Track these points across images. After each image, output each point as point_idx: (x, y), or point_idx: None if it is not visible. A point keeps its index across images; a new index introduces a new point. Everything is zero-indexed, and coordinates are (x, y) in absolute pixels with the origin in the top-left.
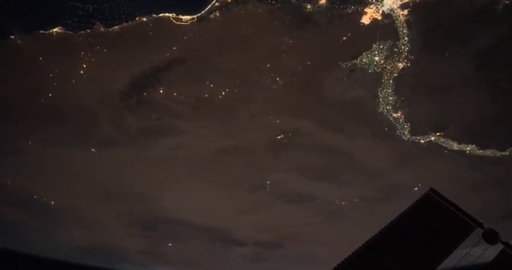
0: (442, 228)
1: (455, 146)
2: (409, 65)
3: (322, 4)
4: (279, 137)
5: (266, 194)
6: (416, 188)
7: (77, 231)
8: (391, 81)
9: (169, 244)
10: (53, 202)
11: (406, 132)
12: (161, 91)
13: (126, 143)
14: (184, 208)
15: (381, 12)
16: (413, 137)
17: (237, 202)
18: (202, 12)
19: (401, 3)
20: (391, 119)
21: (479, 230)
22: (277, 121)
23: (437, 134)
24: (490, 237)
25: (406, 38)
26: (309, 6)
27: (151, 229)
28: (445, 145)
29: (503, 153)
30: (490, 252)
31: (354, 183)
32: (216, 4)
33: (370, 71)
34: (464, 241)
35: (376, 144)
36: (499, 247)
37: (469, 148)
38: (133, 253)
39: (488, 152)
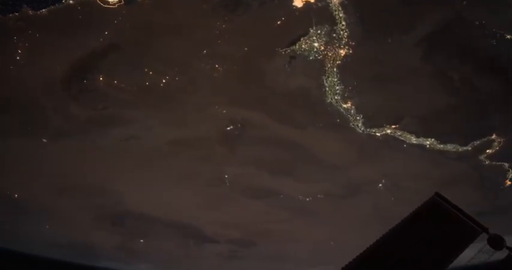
0: (446, 233)
1: (413, 140)
2: (351, 52)
3: None
4: (228, 128)
5: (227, 188)
6: (380, 184)
7: (47, 226)
8: (335, 69)
9: (141, 240)
10: (16, 195)
11: (359, 125)
12: (101, 78)
13: (77, 133)
14: (148, 203)
15: None
16: (368, 130)
17: (199, 197)
18: None
19: None
20: (342, 110)
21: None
22: (224, 111)
23: (393, 126)
24: (496, 242)
25: (343, 23)
26: None
27: (120, 224)
28: (402, 138)
29: (465, 148)
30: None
31: (316, 178)
32: None
33: (311, 58)
34: (468, 246)
35: (330, 137)
36: (504, 253)
37: (428, 142)
38: (110, 249)
39: (449, 147)
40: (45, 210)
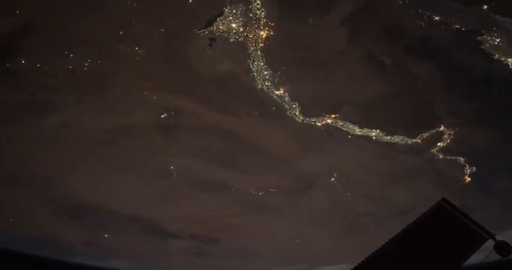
0: (453, 238)
1: (357, 131)
2: (272, 33)
3: None
4: (162, 116)
5: (176, 180)
6: (333, 178)
7: (10, 219)
8: (259, 53)
9: (106, 235)
10: None
11: (297, 113)
12: (23, 61)
13: (11, 120)
14: (100, 195)
15: None
16: (307, 119)
17: (149, 189)
18: None
19: None
20: (275, 97)
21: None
22: (154, 97)
23: (333, 116)
24: (503, 249)
25: (258, 2)
26: None
27: (79, 218)
28: (346, 129)
29: (414, 140)
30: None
31: (263, 171)
32: None
33: (231, 40)
34: (475, 253)
35: (269, 126)
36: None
37: (374, 134)
38: (79, 245)
39: (397, 139)
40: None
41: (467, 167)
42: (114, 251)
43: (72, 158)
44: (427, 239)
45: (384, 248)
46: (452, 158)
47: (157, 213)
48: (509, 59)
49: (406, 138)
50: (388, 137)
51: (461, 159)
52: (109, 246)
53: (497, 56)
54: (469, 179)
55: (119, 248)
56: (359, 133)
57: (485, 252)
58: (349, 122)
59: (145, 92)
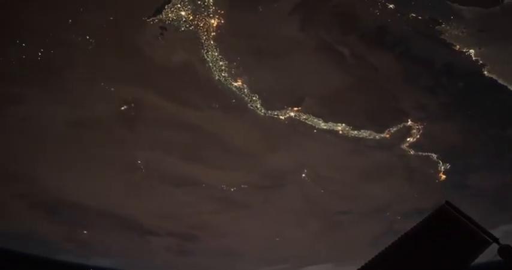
0: (457, 242)
1: (322, 125)
2: (223, 22)
3: None
4: (123, 108)
5: (145, 175)
6: (304, 175)
7: None
8: (212, 42)
9: (84, 232)
10: None
11: (258, 106)
12: None
13: None
14: (71, 189)
15: None
16: (269, 112)
17: (119, 183)
18: None
19: None
20: (234, 89)
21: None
22: (112, 89)
23: (295, 108)
24: (507, 253)
25: None
26: None
27: (56, 214)
28: (310, 123)
29: (382, 135)
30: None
31: (231, 166)
32: None
33: (182, 28)
34: (478, 257)
35: (231, 119)
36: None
37: (340, 128)
38: (60, 242)
39: (364, 134)
40: None
41: (441, 164)
42: (97, 248)
43: (39, 152)
44: (430, 242)
45: (386, 251)
46: (424, 154)
47: (132, 209)
48: (470, 50)
49: (374, 133)
50: (355, 132)
51: (434, 156)
52: (91, 244)
53: (458, 46)
54: (444, 176)
55: (101, 245)
56: (324, 127)
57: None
58: (312, 116)
59: (102, 83)
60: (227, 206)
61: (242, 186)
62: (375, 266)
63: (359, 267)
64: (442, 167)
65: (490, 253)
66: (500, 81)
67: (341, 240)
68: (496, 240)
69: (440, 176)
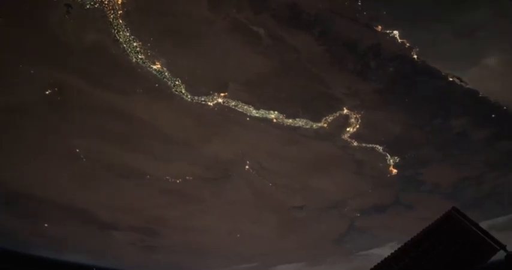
0: (463, 249)
1: (254, 112)
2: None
3: None
4: (47, 93)
5: (86, 165)
6: (247, 166)
7: None
8: (121, 21)
9: (45, 225)
10: None
11: (183, 91)
12: None
13: None
14: (25, 181)
15: None
16: (196, 98)
17: (63, 173)
18: None
19: None
20: (154, 72)
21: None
22: (32, 71)
23: (222, 94)
24: None
25: None
26: None
27: (14, 206)
28: (241, 110)
29: (319, 124)
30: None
31: (173, 157)
32: None
33: (88, 6)
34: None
35: (160, 105)
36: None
37: (273, 116)
38: (28, 235)
39: (300, 122)
40: None
41: (389, 157)
42: (65, 242)
43: None
44: (436, 247)
45: (393, 255)
46: (368, 146)
47: (85, 202)
48: (394, 31)
49: (310, 122)
50: (290, 120)
51: (379, 148)
52: (58, 238)
53: (380, 27)
54: (395, 170)
55: (67, 239)
56: (257, 115)
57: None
58: (242, 102)
59: (20, 65)
60: (179, 199)
61: (187, 178)
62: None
63: (330, 267)
64: (391, 161)
65: None
66: (432, 65)
67: (305, 238)
68: (503, 247)
69: (391, 170)
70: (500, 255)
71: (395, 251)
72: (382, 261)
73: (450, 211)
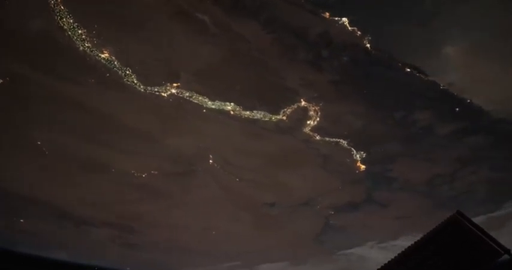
0: (468, 252)
1: (210, 104)
2: None
3: None
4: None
5: (52, 158)
6: (210, 161)
7: None
8: (62, 7)
9: (21, 220)
10: None
11: (135, 81)
12: None
13: None
14: None
15: None
16: (149, 89)
17: (29, 167)
18: None
19: None
20: (103, 61)
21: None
22: None
23: (175, 84)
24: None
25: None
26: None
27: None
28: (196, 101)
29: (277, 116)
30: None
31: (136, 150)
32: None
33: None
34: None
35: (113, 96)
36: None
37: (229, 107)
38: (8, 231)
39: (258, 115)
40: None
41: (355, 152)
42: (45, 238)
43: None
44: (441, 251)
45: (398, 258)
46: (332, 140)
47: (56, 197)
48: (343, 18)
49: (269, 115)
50: (248, 112)
51: (344, 142)
52: (37, 234)
53: (328, 14)
54: (364, 166)
55: (47, 235)
56: (213, 106)
57: None
58: (196, 93)
59: None
60: (149, 194)
61: (152, 172)
62: None
63: (314, 267)
64: (358, 156)
65: None
66: (387, 56)
67: (283, 237)
68: (507, 251)
69: (359, 166)
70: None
71: (398, 254)
72: (385, 265)
73: (454, 215)
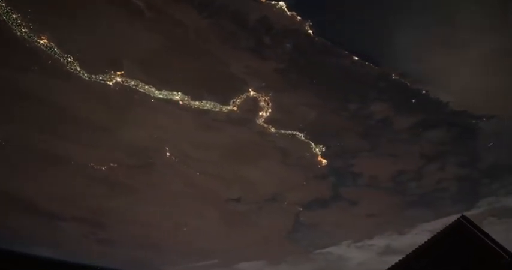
0: (472, 256)
1: (157, 93)
2: None
3: None
4: None
5: (8, 150)
6: (168, 153)
7: None
8: None
9: None
10: None
11: (78, 69)
12: None
13: None
14: None
15: None
16: (94, 77)
17: None
18: None
19: None
20: (43, 48)
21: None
22: None
23: (118, 73)
24: None
25: None
26: None
27: None
28: (143, 90)
29: (228, 107)
30: None
31: (90, 142)
32: None
33: None
34: None
35: (58, 84)
36: None
37: (177, 97)
38: None
39: (208, 105)
40: None
41: (314, 146)
42: (20, 233)
43: None
44: (445, 255)
45: (402, 262)
46: (288, 132)
47: (21, 189)
48: (280, 2)
49: (219, 105)
50: (197, 103)
51: (300, 135)
52: (13, 229)
53: None
54: (325, 161)
55: (22, 230)
56: (160, 96)
57: None
58: (142, 82)
59: None
60: (112, 188)
61: (111, 164)
62: None
63: (292, 266)
64: (317, 149)
65: None
66: (331, 43)
67: (255, 234)
68: (511, 255)
69: (321, 161)
70: None
71: (403, 258)
72: (389, 269)
73: (459, 219)
